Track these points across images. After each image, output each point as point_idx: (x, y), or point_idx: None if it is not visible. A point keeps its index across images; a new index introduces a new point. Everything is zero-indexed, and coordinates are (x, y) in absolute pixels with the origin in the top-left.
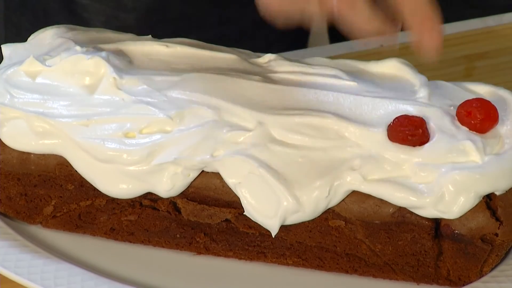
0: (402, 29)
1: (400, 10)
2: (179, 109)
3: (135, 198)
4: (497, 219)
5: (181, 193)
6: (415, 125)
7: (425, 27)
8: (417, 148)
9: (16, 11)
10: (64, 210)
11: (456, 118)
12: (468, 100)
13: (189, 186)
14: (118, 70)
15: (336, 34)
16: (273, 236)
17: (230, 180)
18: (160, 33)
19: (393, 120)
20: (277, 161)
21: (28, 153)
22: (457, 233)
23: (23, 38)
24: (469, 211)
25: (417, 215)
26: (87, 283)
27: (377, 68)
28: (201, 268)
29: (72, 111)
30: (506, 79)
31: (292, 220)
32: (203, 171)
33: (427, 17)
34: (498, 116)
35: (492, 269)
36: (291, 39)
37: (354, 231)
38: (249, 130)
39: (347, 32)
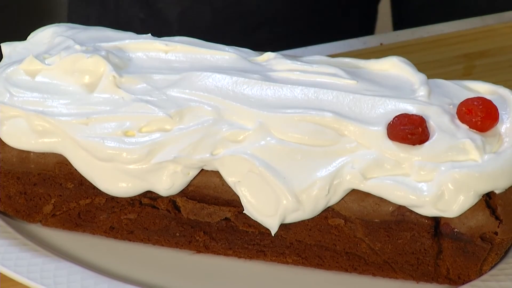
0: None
1: None
2: (179, 107)
3: (135, 196)
4: (497, 218)
5: (181, 191)
6: (415, 124)
7: None
8: (417, 146)
9: (83, 2)
10: (64, 209)
11: (456, 116)
12: (469, 98)
13: (188, 185)
14: (118, 68)
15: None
16: (273, 235)
17: (230, 179)
18: (235, 28)
19: (393, 119)
20: (276, 160)
21: (28, 152)
22: (456, 231)
23: None
24: (468, 209)
25: (417, 214)
26: (86, 282)
27: (377, 66)
28: (201, 266)
29: (71, 109)
30: (505, 77)
31: (291, 218)
32: (202, 169)
33: None
34: (498, 115)
35: (492, 267)
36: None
37: (354, 229)
38: (248, 129)
39: None
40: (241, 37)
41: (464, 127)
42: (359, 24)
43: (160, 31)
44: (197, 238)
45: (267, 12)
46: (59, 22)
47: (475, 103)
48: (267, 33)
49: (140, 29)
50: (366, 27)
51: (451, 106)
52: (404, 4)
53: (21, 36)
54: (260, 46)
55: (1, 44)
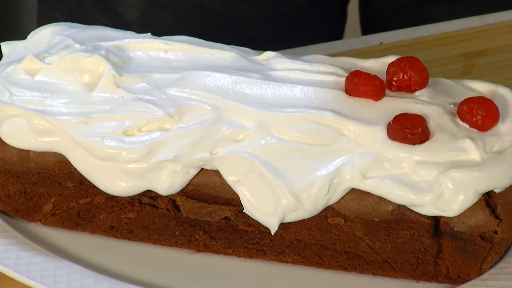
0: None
1: None
2: (179, 106)
3: (135, 195)
4: (497, 217)
5: (181, 190)
6: (415, 124)
7: None
8: (417, 146)
9: (49, 5)
10: (64, 208)
11: (457, 115)
12: (470, 98)
13: (188, 184)
14: (117, 67)
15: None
16: (273, 234)
17: (230, 178)
18: (196, 30)
19: (393, 118)
20: (276, 159)
21: (28, 151)
22: (456, 231)
23: None
24: (468, 209)
25: (417, 213)
26: (86, 281)
27: (377, 65)
28: (201, 265)
29: (71, 108)
30: (505, 76)
31: (291, 217)
32: (202, 168)
33: None
34: (499, 115)
35: (492, 266)
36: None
37: (354, 228)
38: (248, 128)
39: None
40: (203, 38)
41: (465, 126)
42: (326, 27)
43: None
44: (197, 237)
45: (228, 14)
46: (28, 24)
47: (475, 102)
48: (229, 36)
49: None
50: (334, 31)
51: (451, 105)
52: (372, 8)
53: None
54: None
55: (1, 43)
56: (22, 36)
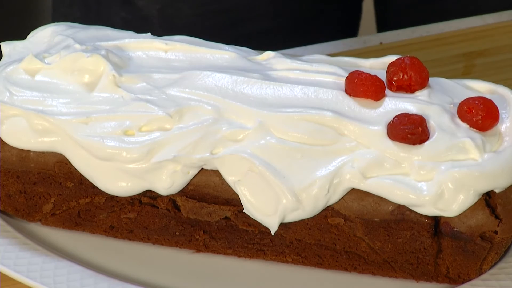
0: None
1: None
2: (179, 106)
3: (135, 195)
4: (497, 217)
5: (181, 190)
6: (415, 124)
7: None
8: (417, 146)
9: (66, 2)
10: (64, 208)
11: (457, 115)
12: (470, 97)
13: (188, 184)
14: (117, 67)
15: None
16: (273, 234)
17: (230, 178)
18: (215, 23)
19: (393, 118)
20: (276, 159)
21: (28, 151)
22: (456, 230)
23: None
24: (468, 209)
25: (417, 213)
26: (86, 281)
27: (377, 65)
28: (201, 265)
29: (71, 108)
30: (505, 76)
31: (291, 217)
32: (202, 168)
33: None
34: (499, 115)
35: (492, 266)
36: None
37: (354, 228)
38: (248, 128)
39: None
40: (220, 32)
41: (465, 126)
42: (341, 23)
43: (141, 29)
44: (197, 237)
45: (247, 8)
46: (44, 22)
47: (476, 102)
48: (247, 29)
49: (121, 27)
50: (350, 27)
51: (451, 105)
52: (387, 4)
53: (22, 33)
54: (239, 42)
55: (1, 43)
56: (22, 36)
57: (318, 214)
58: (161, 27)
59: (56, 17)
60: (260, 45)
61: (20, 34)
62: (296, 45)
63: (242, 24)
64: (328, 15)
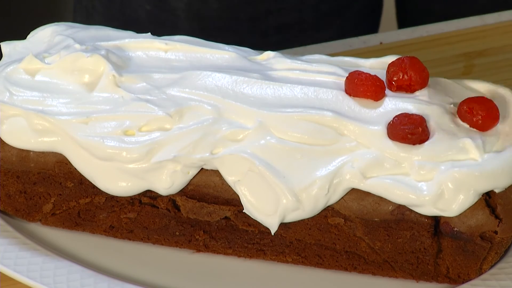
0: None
1: None
2: (179, 106)
3: (135, 195)
4: (497, 217)
5: (181, 190)
6: (415, 124)
7: None
8: (417, 146)
9: None
10: (64, 208)
11: (457, 115)
12: (470, 97)
13: (188, 184)
14: (117, 67)
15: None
16: (272, 234)
17: (230, 178)
18: (241, 16)
19: (393, 118)
20: (276, 159)
21: (28, 151)
22: (456, 230)
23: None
24: (468, 208)
25: (417, 213)
26: (86, 281)
27: (377, 65)
28: (201, 265)
29: (71, 108)
30: (505, 76)
31: (291, 217)
32: (202, 168)
33: None
34: (499, 115)
35: (492, 266)
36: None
37: (354, 228)
38: (248, 128)
39: None
40: (248, 25)
41: (465, 126)
42: (362, 19)
43: (167, 21)
44: (197, 237)
45: (274, 0)
46: (65, 15)
47: (476, 102)
48: (275, 22)
49: (146, 21)
50: (370, 23)
51: (452, 105)
52: (408, 2)
53: (22, 33)
54: (267, 34)
55: (1, 43)
56: (22, 36)
57: (318, 214)
58: (188, 19)
59: (78, 10)
60: (286, 38)
61: (23, 33)
62: (319, 41)
63: (269, 17)
64: (349, 9)
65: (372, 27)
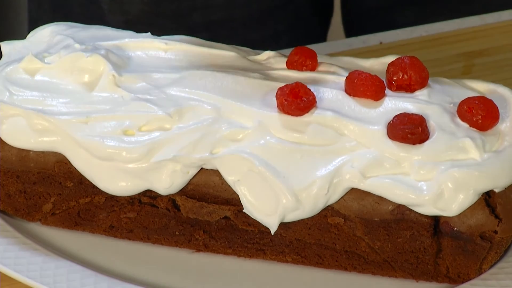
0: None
1: None
2: (178, 106)
3: (134, 195)
4: (496, 217)
5: (180, 190)
6: (415, 123)
7: None
8: (417, 146)
9: None
10: (63, 208)
11: (457, 114)
12: (470, 97)
13: (188, 184)
14: (117, 67)
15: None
16: (272, 234)
17: (229, 178)
18: (166, 11)
19: (393, 118)
20: (276, 159)
21: (27, 151)
22: (456, 230)
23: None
24: (468, 208)
25: (416, 213)
26: (86, 281)
27: (377, 65)
28: (200, 265)
29: (71, 108)
30: (505, 76)
31: (291, 217)
32: (202, 168)
33: None
34: (499, 114)
35: (491, 266)
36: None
37: (353, 228)
38: (248, 128)
39: None
40: (174, 21)
41: (465, 125)
42: (300, 20)
43: (94, 13)
44: (197, 237)
45: None
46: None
47: (476, 101)
48: (202, 18)
49: (79, 12)
50: (312, 25)
51: (451, 105)
52: (353, 10)
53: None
54: (193, 31)
55: (1, 43)
56: (22, 35)
57: (318, 213)
58: (112, 12)
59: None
60: (215, 36)
61: (21, 33)
62: (251, 41)
63: (194, 13)
64: (284, 11)
65: (314, 31)
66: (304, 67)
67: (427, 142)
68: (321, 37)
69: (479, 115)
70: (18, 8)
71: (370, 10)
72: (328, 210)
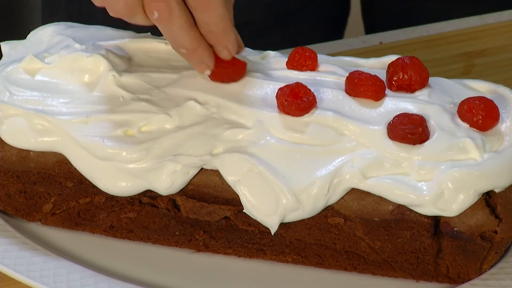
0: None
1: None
2: (178, 106)
3: (135, 195)
4: (497, 217)
5: (181, 190)
6: (415, 124)
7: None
8: (417, 146)
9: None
10: (63, 208)
11: (457, 114)
12: (470, 97)
13: (188, 184)
14: (117, 67)
15: (334, 30)
16: (272, 234)
17: (230, 178)
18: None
19: (393, 118)
20: (276, 159)
21: (28, 151)
22: (456, 230)
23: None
24: (468, 208)
25: (417, 213)
26: (86, 281)
27: (377, 65)
28: (201, 265)
29: (71, 108)
30: (505, 76)
31: (291, 217)
32: (202, 168)
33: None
34: (499, 114)
35: (492, 266)
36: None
37: (354, 228)
38: (248, 128)
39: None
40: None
41: (465, 125)
42: (320, 22)
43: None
44: (197, 237)
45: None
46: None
47: (476, 102)
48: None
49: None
50: (331, 26)
51: (452, 105)
52: (374, 11)
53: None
54: None
55: (1, 43)
56: (22, 35)
57: (318, 214)
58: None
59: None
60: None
61: (20, 33)
62: (270, 43)
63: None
64: (303, 14)
65: (332, 31)
66: (304, 67)
67: (427, 142)
68: (339, 37)
69: (480, 115)
70: (33, 12)
71: (392, 4)
72: (328, 210)
